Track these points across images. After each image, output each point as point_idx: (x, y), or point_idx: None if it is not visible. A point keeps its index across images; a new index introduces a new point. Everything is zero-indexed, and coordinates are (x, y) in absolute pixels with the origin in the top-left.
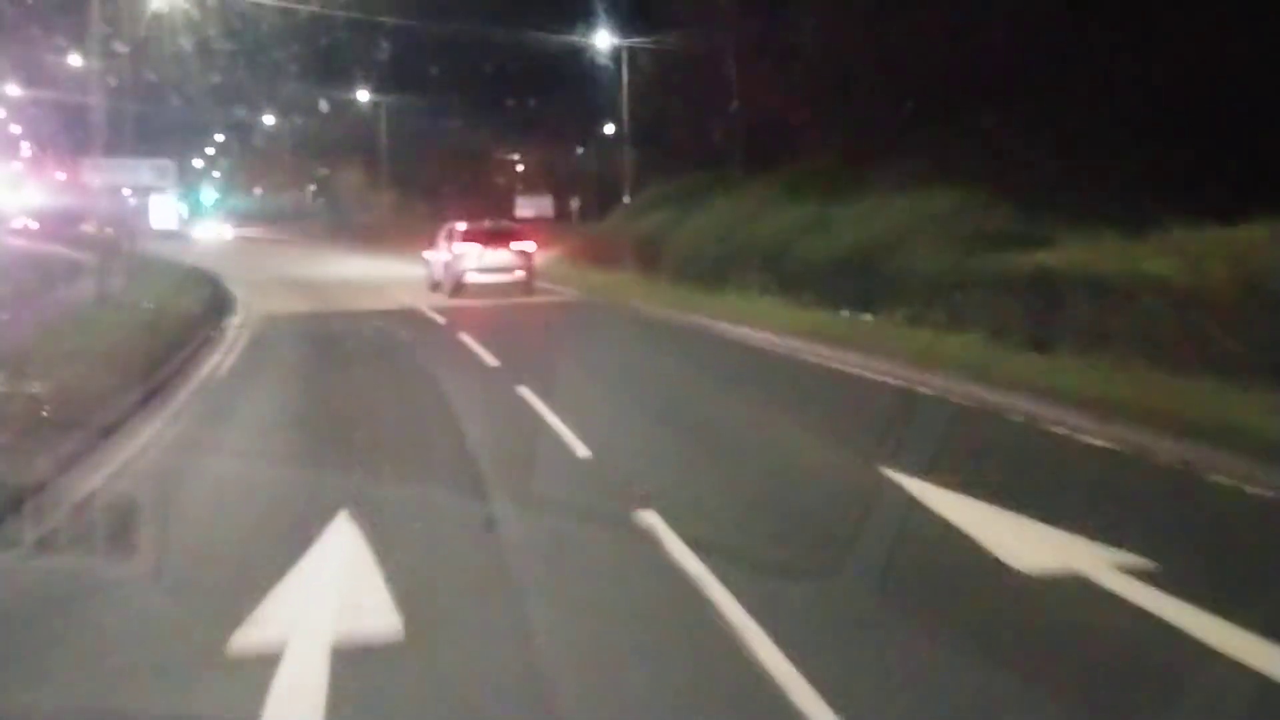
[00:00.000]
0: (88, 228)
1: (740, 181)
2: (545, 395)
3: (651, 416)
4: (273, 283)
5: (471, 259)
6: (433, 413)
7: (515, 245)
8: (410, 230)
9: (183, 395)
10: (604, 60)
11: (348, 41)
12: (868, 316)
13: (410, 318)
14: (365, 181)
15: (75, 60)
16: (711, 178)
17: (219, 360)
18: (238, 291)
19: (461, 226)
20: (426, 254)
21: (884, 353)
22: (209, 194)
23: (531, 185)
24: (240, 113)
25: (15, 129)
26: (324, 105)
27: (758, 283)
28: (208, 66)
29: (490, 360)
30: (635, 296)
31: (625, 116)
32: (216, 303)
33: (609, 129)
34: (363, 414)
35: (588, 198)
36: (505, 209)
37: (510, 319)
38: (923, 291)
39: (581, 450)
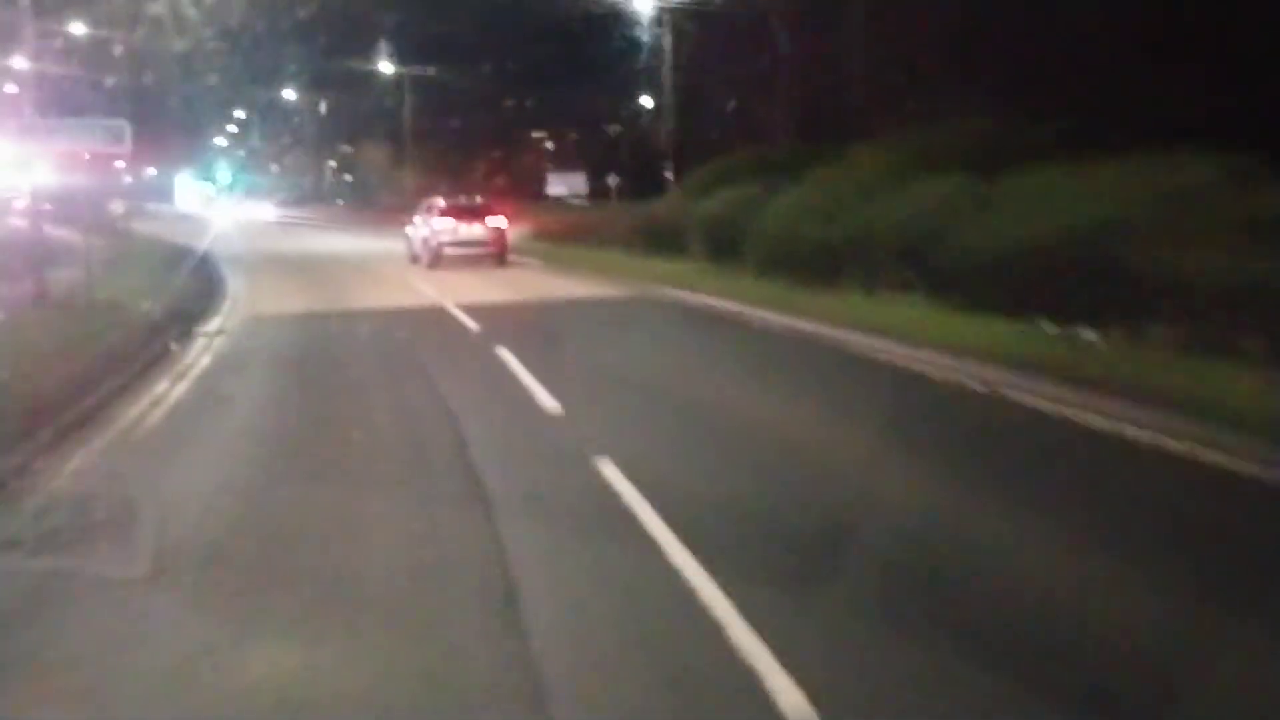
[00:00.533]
0: (117, 208)
1: (846, 151)
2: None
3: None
4: (277, 266)
5: (448, 233)
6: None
7: (489, 220)
8: None
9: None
10: (644, 26)
11: (372, 13)
12: (1090, 335)
13: (436, 321)
14: (389, 159)
15: (89, 31)
16: (800, 148)
17: (150, 403)
18: (232, 281)
19: (440, 203)
20: (407, 229)
21: (1212, 412)
22: (224, 173)
23: (563, 162)
24: (260, 88)
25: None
26: (347, 80)
27: (892, 279)
28: (228, 38)
29: (550, 405)
30: (715, 292)
31: (667, 86)
32: (198, 298)
33: (646, 102)
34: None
35: (624, 175)
36: (536, 188)
37: (564, 324)
38: (1189, 300)
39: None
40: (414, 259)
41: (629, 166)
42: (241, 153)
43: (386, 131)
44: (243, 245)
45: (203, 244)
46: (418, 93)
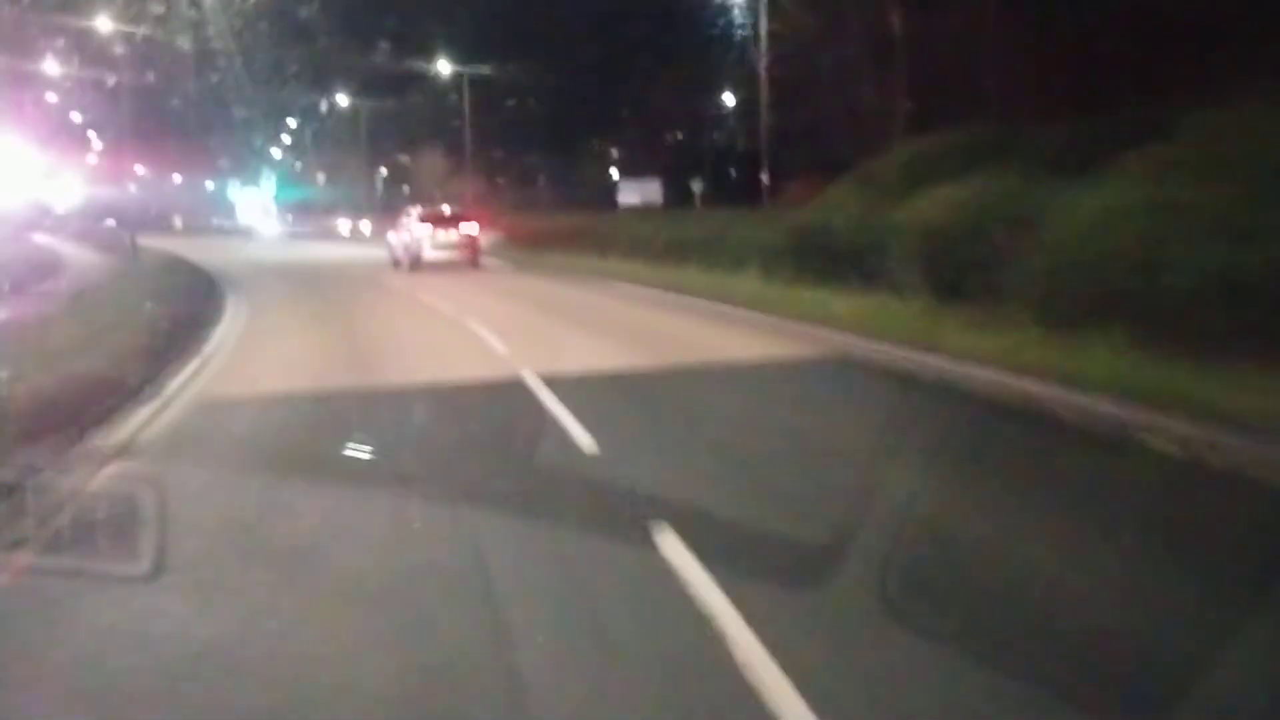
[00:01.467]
0: (176, 223)
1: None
2: None
3: None
4: (301, 299)
5: (426, 239)
6: None
7: (463, 227)
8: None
9: None
10: (732, 10)
11: (429, 11)
12: None
13: (519, 420)
14: (447, 168)
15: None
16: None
17: None
18: (229, 323)
19: (418, 212)
20: (389, 236)
21: None
22: (270, 184)
23: (633, 169)
24: (313, 95)
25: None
26: (402, 83)
27: None
28: (278, 43)
29: None
30: (1037, 371)
31: (763, 75)
32: (155, 359)
33: (728, 99)
34: None
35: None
36: (604, 197)
37: (756, 431)
38: None
39: None
40: (395, 264)
41: (708, 171)
42: (288, 163)
43: (444, 138)
44: (267, 269)
45: (232, 263)
46: (477, 95)
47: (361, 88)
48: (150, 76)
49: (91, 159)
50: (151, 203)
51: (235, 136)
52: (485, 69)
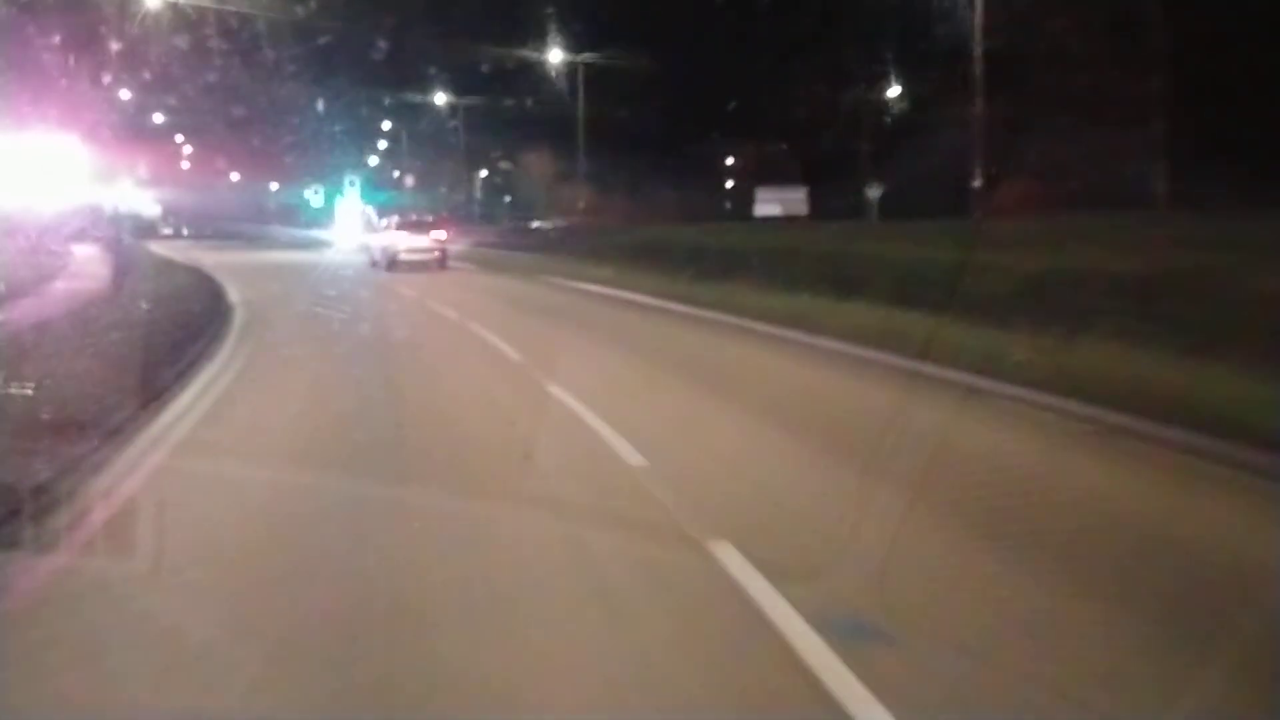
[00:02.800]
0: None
1: None
2: None
3: None
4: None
5: (402, 243)
6: None
7: (433, 234)
8: (612, 243)
9: None
10: None
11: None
12: None
13: None
14: (555, 173)
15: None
16: None
17: None
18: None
19: (395, 220)
20: (369, 241)
21: None
22: (351, 190)
23: (772, 174)
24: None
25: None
26: (509, 77)
27: None
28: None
29: None
30: None
31: (976, 50)
32: None
33: (891, 91)
34: None
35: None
36: (739, 206)
37: None
38: None
39: None
40: (373, 264)
41: (865, 174)
42: (376, 167)
43: (552, 141)
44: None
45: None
46: (592, 92)
47: (460, 83)
48: (229, 73)
49: (184, 164)
50: (222, 207)
51: (320, 138)
52: (601, 57)
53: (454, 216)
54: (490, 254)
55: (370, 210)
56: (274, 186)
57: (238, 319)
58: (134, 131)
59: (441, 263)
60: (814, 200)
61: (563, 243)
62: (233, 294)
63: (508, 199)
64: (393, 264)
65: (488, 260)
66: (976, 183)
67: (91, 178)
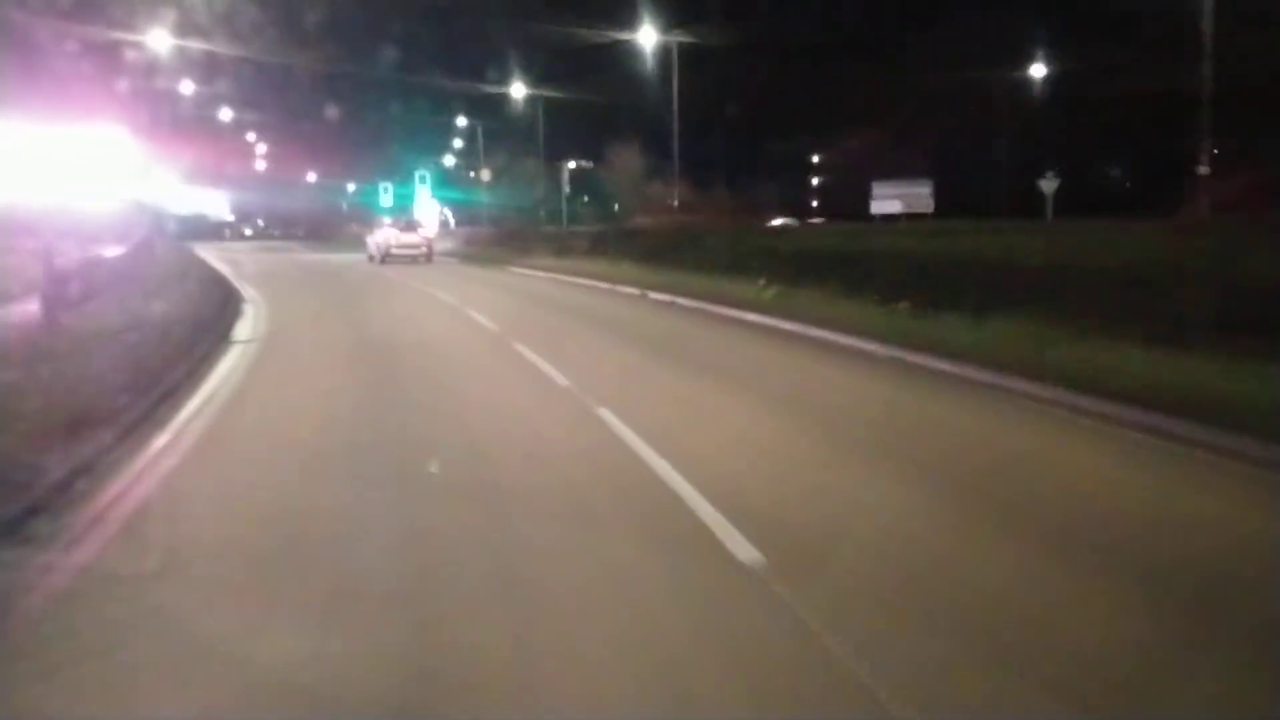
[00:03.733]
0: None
1: None
2: None
3: None
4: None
5: (394, 240)
6: None
7: (420, 232)
8: (757, 250)
9: None
10: None
11: None
12: None
13: None
14: (644, 168)
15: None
16: None
17: None
18: None
19: (388, 220)
20: (367, 238)
21: None
22: (423, 189)
23: (891, 164)
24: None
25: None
26: (593, 62)
27: None
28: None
29: None
30: None
31: None
32: None
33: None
34: None
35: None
36: (849, 202)
37: None
38: None
39: None
40: (370, 259)
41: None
42: (447, 165)
43: (641, 134)
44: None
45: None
46: (685, 77)
47: (541, 75)
48: (302, 70)
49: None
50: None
51: (395, 136)
52: (695, 36)
53: (528, 218)
54: (605, 271)
55: (445, 210)
56: (351, 187)
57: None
58: (202, 130)
59: (428, 257)
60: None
61: (677, 249)
62: (244, 325)
63: (585, 198)
64: (386, 257)
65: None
66: (1203, 169)
67: (145, 175)
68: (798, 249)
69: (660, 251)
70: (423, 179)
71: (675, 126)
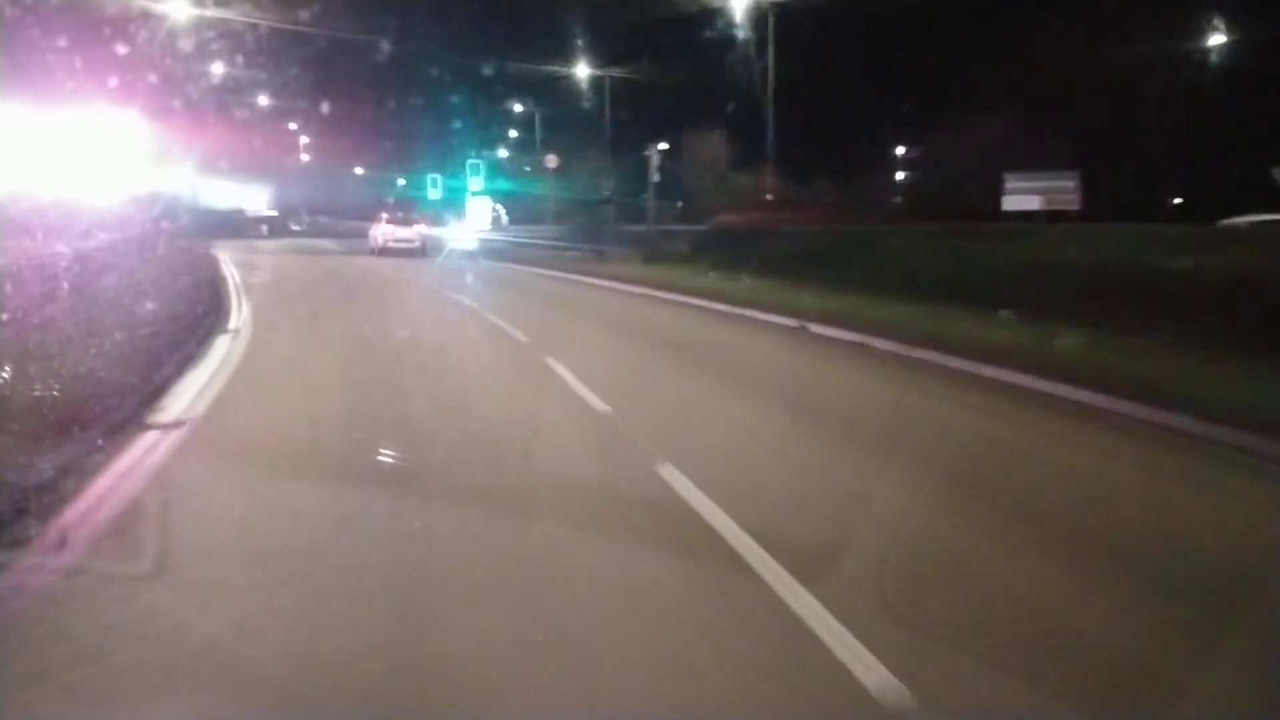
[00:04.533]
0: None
1: None
2: None
3: None
4: None
5: (390, 233)
6: None
7: (416, 228)
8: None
9: None
10: None
11: None
12: None
13: None
14: (727, 157)
15: None
16: None
17: None
18: None
19: (385, 215)
20: (371, 231)
21: None
22: (474, 181)
23: (1020, 151)
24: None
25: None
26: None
27: None
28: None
29: None
30: None
31: None
32: None
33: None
34: None
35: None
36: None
37: None
38: None
39: None
40: (370, 250)
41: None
42: (505, 157)
43: (723, 121)
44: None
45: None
46: (783, 50)
47: (606, 54)
48: (345, 55)
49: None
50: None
51: (445, 125)
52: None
53: (598, 214)
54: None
55: (498, 206)
56: (401, 181)
57: None
58: (239, 119)
59: (422, 251)
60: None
61: (824, 259)
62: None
63: (644, 194)
64: (383, 250)
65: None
66: None
67: (161, 164)
68: (1097, 265)
69: (790, 261)
70: (475, 169)
71: (770, 106)
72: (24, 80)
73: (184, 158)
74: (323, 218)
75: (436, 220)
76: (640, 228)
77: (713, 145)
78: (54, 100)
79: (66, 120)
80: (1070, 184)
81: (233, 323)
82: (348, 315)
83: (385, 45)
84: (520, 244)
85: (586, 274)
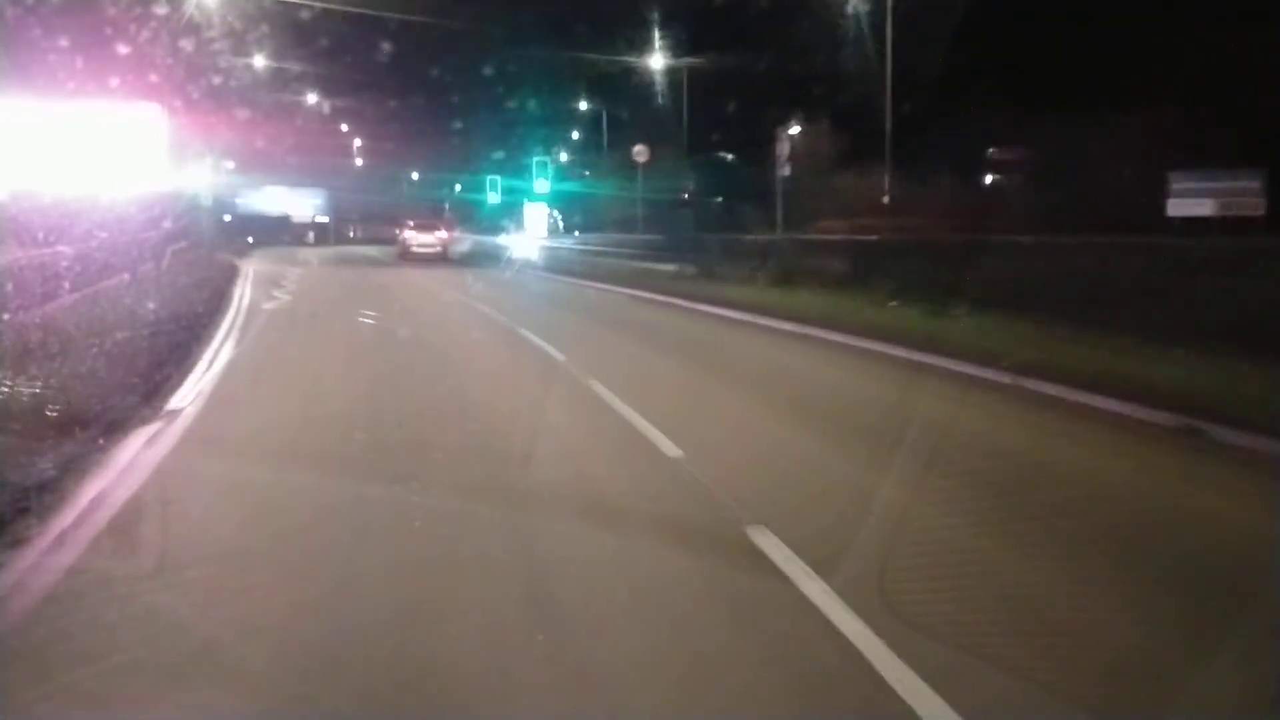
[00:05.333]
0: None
1: None
2: None
3: None
4: None
5: (414, 239)
6: None
7: (437, 234)
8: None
9: None
10: None
11: None
12: None
13: None
14: (835, 151)
15: None
16: None
17: None
18: None
19: (411, 222)
20: (400, 235)
21: None
22: (541, 184)
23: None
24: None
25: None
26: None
27: None
28: None
29: None
30: None
31: None
32: None
33: None
34: None
35: None
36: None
37: None
38: None
39: None
40: (400, 255)
41: None
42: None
43: (819, 112)
44: None
45: None
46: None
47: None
48: (402, 54)
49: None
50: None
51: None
52: None
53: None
54: None
55: (555, 213)
56: (457, 186)
57: None
58: (287, 119)
59: (444, 256)
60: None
61: (1081, 290)
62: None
63: (720, 197)
64: (407, 254)
65: None
66: None
67: (186, 163)
68: None
69: (1033, 292)
70: (542, 168)
71: (889, 88)
72: (30, 72)
73: (221, 158)
74: (374, 224)
75: (494, 226)
76: (750, 236)
77: (813, 140)
78: (61, 92)
79: (75, 113)
80: (1254, 184)
81: (184, 394)
82: (372, 374)
83: (443, 42)
84: (589, 252)
85: (694, 298)
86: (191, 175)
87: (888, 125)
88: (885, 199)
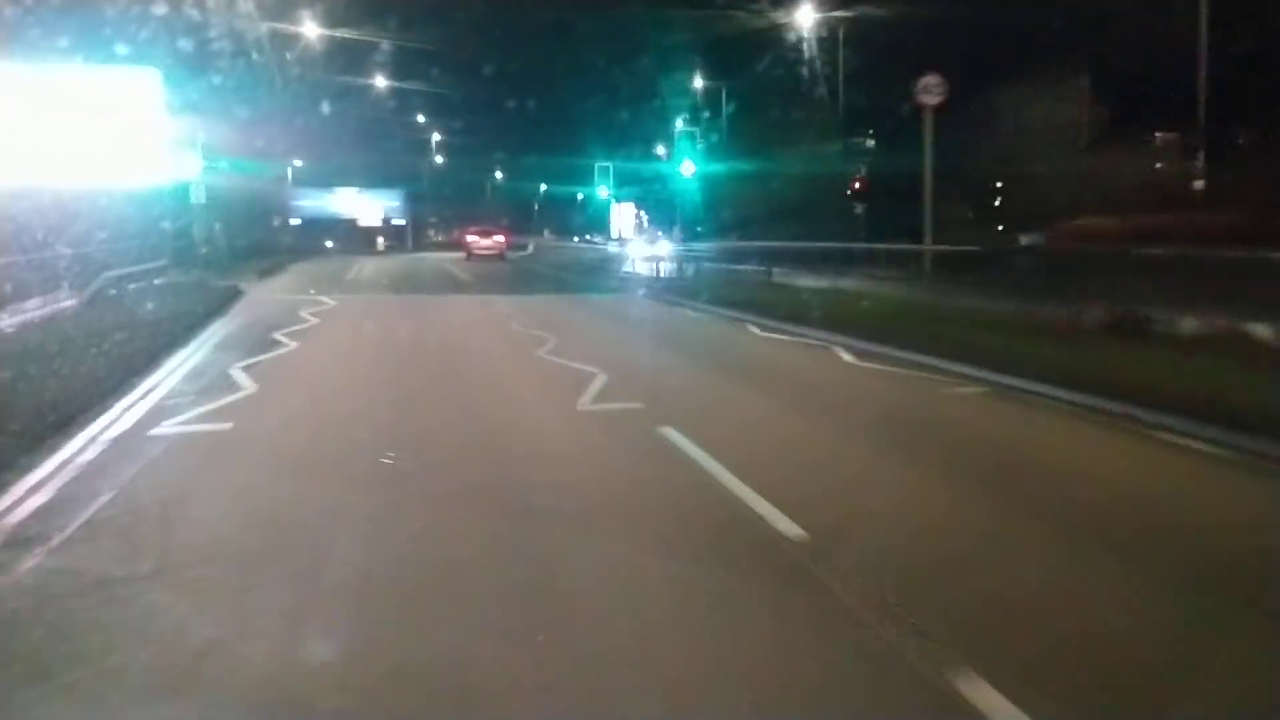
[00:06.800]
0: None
1: None
2: None
3: None
4: None
5: (477, 243)
6: None
7: (495, 238)
8: None
9: None
10: None
11: None
12: None
13: None
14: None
15: None
16: None
17: None
18: None
19: (474, 229)
20: (465, 240)
21: None
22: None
23: None
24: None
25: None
26: None
27: None
28: None
29: None
30: None
31: None
32: None
33: None
34: None
35: None
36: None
37: None
38: None
39: None
40: (465, 257)
41: None
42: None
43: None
44: None
45: None
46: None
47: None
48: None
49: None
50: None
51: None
52: None
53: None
54: None
55: (641, 212)
56: (543, 187)
57: None
58: (355, 115)
59: (501, 256)
60: None
61: None
62: None
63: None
64: (470, 255)
65: None
66: None
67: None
68: None
69: None
70: (687, 139)
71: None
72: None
73: (288, 157)
74: (457, 226)
75: (590, 230)
76: (1022, 240)
77: (1055, 106)
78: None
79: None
80: None
81: None
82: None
83: (531, 44)
84: (739, 270)
85: (1003, 368)
86: (181, 165)
87: (1200, 76)
88: (1198, 184)
